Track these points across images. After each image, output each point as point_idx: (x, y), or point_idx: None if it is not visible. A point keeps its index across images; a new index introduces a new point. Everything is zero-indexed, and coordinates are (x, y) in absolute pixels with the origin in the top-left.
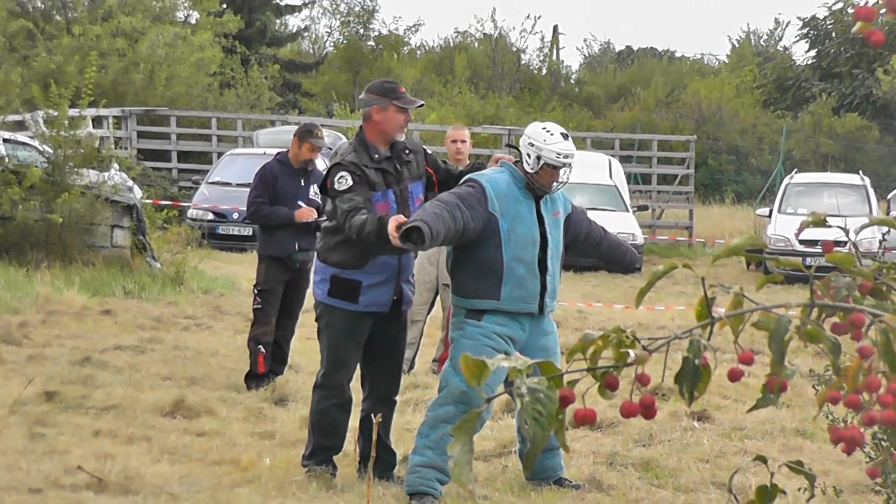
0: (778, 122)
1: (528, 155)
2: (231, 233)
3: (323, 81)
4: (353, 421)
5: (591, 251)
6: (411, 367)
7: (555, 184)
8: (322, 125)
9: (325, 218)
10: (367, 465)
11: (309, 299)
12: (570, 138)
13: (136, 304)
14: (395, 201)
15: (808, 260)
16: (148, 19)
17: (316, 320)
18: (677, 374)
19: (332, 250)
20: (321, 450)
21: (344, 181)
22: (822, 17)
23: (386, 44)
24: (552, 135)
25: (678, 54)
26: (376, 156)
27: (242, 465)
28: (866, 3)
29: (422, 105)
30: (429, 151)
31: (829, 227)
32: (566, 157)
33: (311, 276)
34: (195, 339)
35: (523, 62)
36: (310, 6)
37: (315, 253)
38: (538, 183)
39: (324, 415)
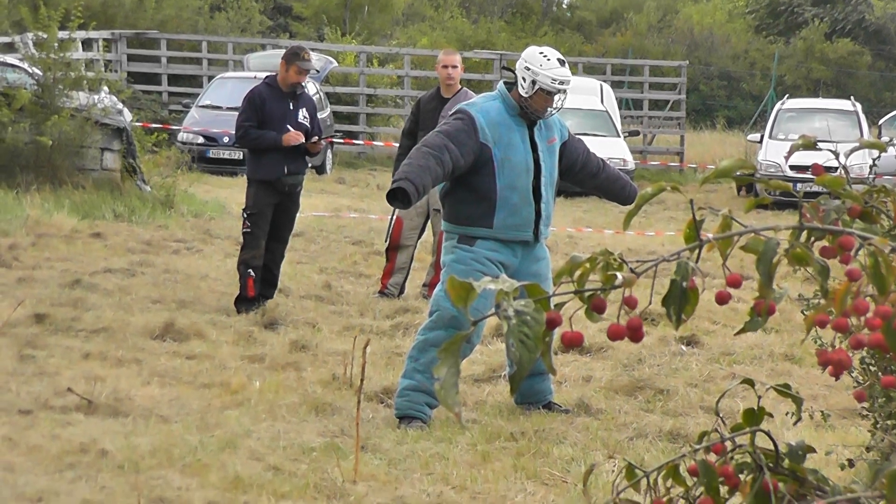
0: (770, 47)
1: (524, 79)
2: (221, 156)
3: (314, 5)
4: (345, 344)
5: (588, 182)
6: (401, 291)
7: (549, 109)
8: (313, 49)
9: (314, 140)
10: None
11: (299, 223)
12: (566, 64)
13: (126, 227)
14: None
15: (799, 186)
16: None
17: None
18: (665, 297)
19: None
20: None
21: None
22: None
23: None
24: (549, 60)
25: None
26: None
27: (232, 388)
28: None
29: None
30: None
31: (820, 150)
32: (562, 83)
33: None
34: (185, 262)
35: None
36: None
37: (304, 176)
38: (532, 108)
39: None
